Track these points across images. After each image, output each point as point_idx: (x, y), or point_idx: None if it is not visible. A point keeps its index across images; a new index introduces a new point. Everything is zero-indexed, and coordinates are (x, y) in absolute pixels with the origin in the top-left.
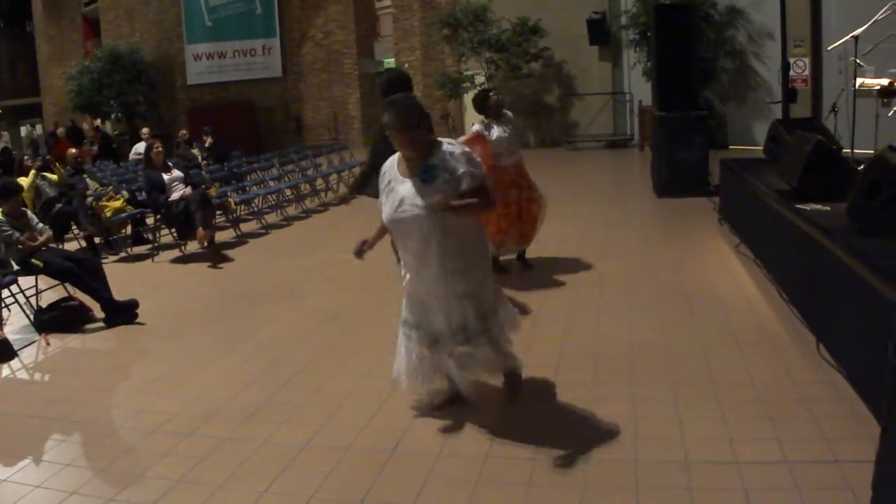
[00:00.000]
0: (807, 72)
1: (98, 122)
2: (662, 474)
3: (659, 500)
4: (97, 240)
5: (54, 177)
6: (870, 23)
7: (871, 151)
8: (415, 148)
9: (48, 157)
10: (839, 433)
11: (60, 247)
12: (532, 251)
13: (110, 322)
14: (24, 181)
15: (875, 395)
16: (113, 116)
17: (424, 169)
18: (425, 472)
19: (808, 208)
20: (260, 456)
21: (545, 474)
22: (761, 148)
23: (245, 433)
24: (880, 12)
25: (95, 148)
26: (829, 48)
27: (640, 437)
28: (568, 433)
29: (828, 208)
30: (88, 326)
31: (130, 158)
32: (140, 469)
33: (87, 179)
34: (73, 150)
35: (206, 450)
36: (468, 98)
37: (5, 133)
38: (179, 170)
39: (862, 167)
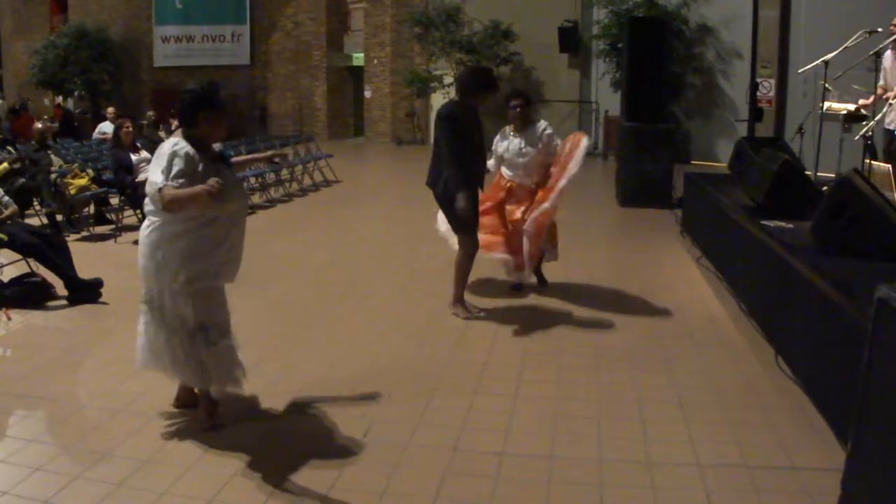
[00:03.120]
0: (772, 92)
1: (60, 99)
2: (626, 473)
3: (623, 499)
4: (59, 217)
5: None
6: (841, 49)
7: (833, 175)
8: None
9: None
10: (797, 441)
11: (24, 221)
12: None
13: (73, 300)
14: None
15: (832, 407)
16: (76, 94)
17: None
18: (392, 463)
19: (772, 225)
20: (228, 439)
21: (511, 469)
22: (723, 164)
23: (220, 423)
24: (851, 39)
25: (57, 124)
26: (799, 71)
27: (603, 436)
28: (533, 430)
29: (791, 226)
30: (51, 303)
31: (94, 137)
32: (107, 447)
33: (52, 156)
34: (39, 125)
35: (173, 431)
36: (435, 97)
37: None
38: (147, 151)
39: (827, 188)
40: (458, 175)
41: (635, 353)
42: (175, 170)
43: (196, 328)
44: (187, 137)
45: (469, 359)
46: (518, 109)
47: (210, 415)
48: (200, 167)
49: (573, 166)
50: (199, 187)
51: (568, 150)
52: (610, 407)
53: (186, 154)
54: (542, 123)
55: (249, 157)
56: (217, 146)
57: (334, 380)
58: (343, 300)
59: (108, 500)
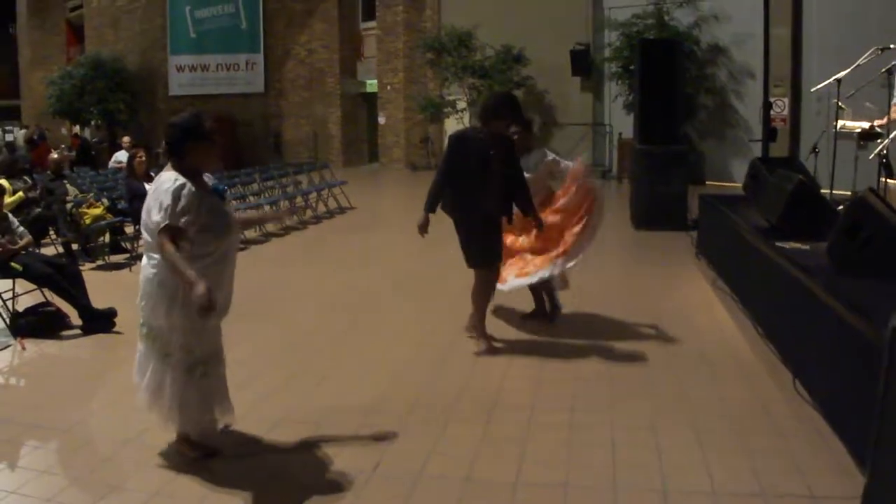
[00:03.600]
0: (786, 111)
1: (77, 128)
2: (641, 502)
3: None
4: (74, 246)
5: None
6: (853, 66)
7: (849, 193)
8: None
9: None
10: (815, 468)
11: (38, 251)
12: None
13: (87, 329)
14: (5, 184)
15: (850, 433)
16: (92, 123)
17: None
18: (405, 494)
19: (787, 246)
20: (238, 472)
21: (525, 499)
22: (738, 185)
23: (222, 446)
24: (863, 56)
25: (73, 154)
26: (812, 90)
27: (618, 464)
28: (546, 457)
29: (807, 247)
30: (65, 333)
31: (110, 166)
32: (117, 480)
33: (67, 185)
34: (55, 155)
35: (183, 463)
36: (448, 123)
37: None
38: None
39: (842, 208)
40: (433, 193)
41: (650, 380)
42: (179, 207)
43: (194, 362)
44: (179, 170)
45: (483, 386)
46: (516, 137)
47: (192, 447)
48: (204, 206)
49: (596, 219)
50: (193, 277)
51: (569, 183)
52: (625, 434)
53: (189, 192)
54: (544, 151)
55: (258, 217)
56: (209, 179)
57: (346, 410)
58: (356, 328)
59: None
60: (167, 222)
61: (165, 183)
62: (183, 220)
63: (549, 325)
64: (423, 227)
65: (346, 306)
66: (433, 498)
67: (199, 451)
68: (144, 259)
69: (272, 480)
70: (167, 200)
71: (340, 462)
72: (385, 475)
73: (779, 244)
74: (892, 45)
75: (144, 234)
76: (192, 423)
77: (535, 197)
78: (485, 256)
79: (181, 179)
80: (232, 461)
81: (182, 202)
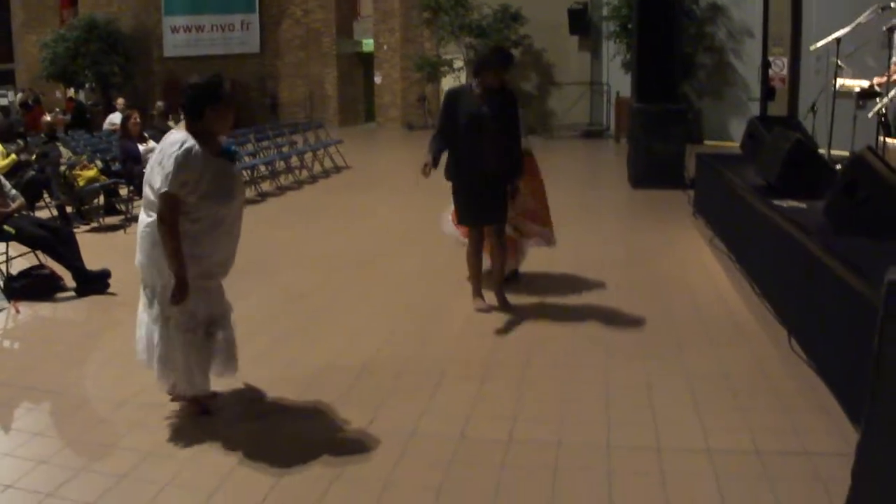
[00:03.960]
0: (784, 71)
1: (71, 91)
2: (635, 459)
3: (632, 485)
4: (69, 209)
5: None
6: (852, 25)
7: (847, 153)
8: None
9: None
10: (810, 426)
11: (32, 214)
12: None
13: (82, 292)
14: None
15: (846, 390)
16: (87, 86)
17: None
18: (399, 451)
19: (785, 205)
20: (232, 430)
21: (518, 457)
22: (737, 144)
23: (216, 407)
24: (863, 15)
25: (68, 117)
26: (811, 48)
27: (612, 422)
28: (540, 417)
29: (804, 206)
30: (59, 295)
31: (104, 128)
32: (112, 440)
33: (61, 147)
34: (48, 118)
35: (177, 422)
36: (445, 82)
37: None
38: (155, 141)
39: (840, 167)
40: (432, 144)
41: (645, 338)
42: (181, 176)
43: (195, 324)
44: (192, 132)
45: (477, 345)
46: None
47: (198, 403)
48: (208, 170)
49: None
50: (178, 266)
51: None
52: (619, 392)
53: (195, 157)
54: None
55: None
56: (223, 139)
57: (341, 368)
58: (351, 287)
59: (111, 492)
60: (166, 189)
61: (173, 146)
62: (183, 189)
63: (545, 282)
64: (426, 169)
65: (341, 265)
66: (427, 455)
67: (197, 409)
68: (142, 214)
69: (266, 437)
70: (169, 167)
71: (334, 420)
72: (379, 432)
73: (776, 203)
74: (892, 4)
75: (145, 189)
76: (191, 384)
77: None
78: (471, 215)
79: (189, 142)
80: (226, 419)
81: (184, 171)
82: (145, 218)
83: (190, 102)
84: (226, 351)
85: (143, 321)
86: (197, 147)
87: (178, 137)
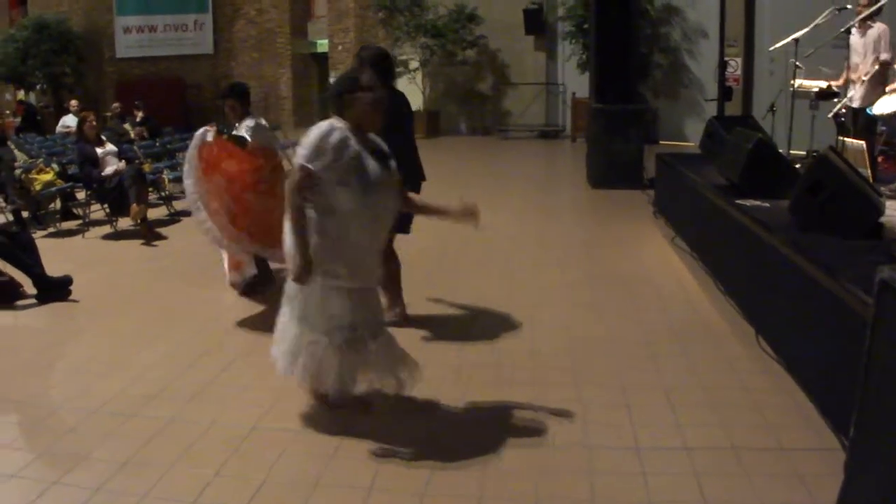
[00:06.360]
0: (739, 71)
1: (21, 93)
2: (615, 459)
3: (615, 485)
4: (25, 213)
5: None
6: (811, 26)
7: (805, 152)
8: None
9: None
10: (783, 422)
11: None
12: (466, 240)
13: (43, 299)
14: None
15: (815, 387)
16: (38, 88)
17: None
18: (380, 455)
19: (748, 204)
20: (208, 438)
21: (498, 460)
22: (692, 144)
23: (190, 415)
24: (821, 16)
25: (19, 119)
26: (770, 49)
27: (589, 424)
28: (516, 419)
29: (767, 205)
30: (20, 303)
31: (58, 131)
32: (84, 451)
33: (15, 151)
34: None
35: (151, 431)
36: (401, 83)
37: None
38: (112, 144)
39: (801, 166)
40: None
41: (614, 339)
42: (317, 150)
43: (332, 328)
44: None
45: (441, 361)
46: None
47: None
48: (348, 156)
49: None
50: (302, 248)
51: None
52: (593, 394)
53: (338, 139)
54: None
55: (436, 209)
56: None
57: None
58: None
59: None
60: (301, 161)
61: (322, 125)
62: (316, 163)
63: (508, 286)
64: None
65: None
66: (405, 459)
67: (335, 408)
68: None
69: (245, 443)
70: (310, 138)
71: (310, 425)
72: (358, 436)
73: (739, 202)
74: (848, 6)
75: None
76: (328, 388)
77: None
78: None
79: (338, 125)
80: (196, 426)
81: (322, 144)
82: None
83: (338, 92)
84: (377, 362)
85: (286, 327)
86: (341, 130)
87: (329, 121)
